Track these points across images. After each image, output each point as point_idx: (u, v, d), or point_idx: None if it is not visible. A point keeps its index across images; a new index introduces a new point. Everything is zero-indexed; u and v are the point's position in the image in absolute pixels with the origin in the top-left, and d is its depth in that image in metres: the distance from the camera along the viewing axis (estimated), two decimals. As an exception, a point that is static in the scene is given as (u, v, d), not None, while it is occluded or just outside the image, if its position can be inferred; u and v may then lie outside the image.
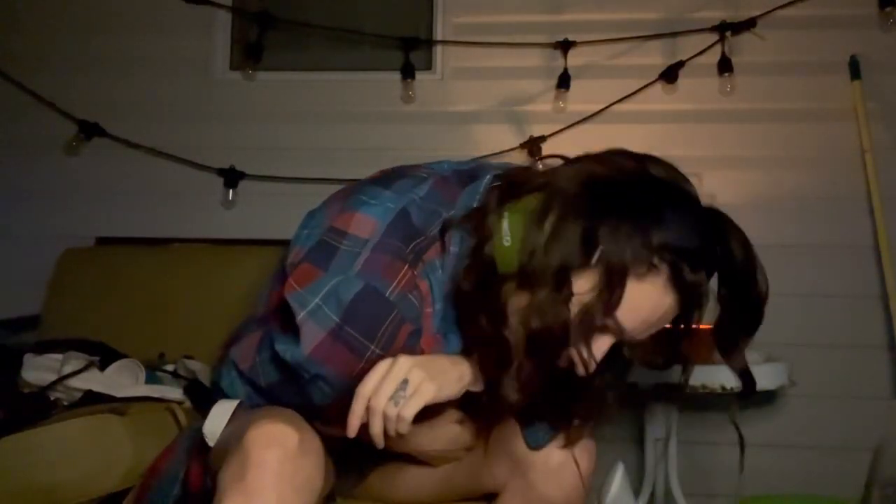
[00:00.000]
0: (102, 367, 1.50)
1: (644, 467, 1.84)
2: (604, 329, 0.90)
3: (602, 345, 0.91)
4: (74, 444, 1.29)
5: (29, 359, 1.52)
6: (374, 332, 0.92)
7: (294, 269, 0.96)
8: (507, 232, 0.90)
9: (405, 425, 0.88)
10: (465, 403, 1.00)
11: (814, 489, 1.97)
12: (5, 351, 1.70)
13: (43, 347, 1.58)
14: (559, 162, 0.97)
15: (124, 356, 1.57)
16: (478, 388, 0.96)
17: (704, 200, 0.95)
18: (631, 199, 0.89)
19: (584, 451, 1.03)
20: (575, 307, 0.88)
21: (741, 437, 1.02)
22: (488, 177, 1.01)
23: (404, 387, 0.88)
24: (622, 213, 0.87)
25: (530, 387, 0.95)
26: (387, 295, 0.93)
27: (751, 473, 2.04)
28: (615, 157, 0.93)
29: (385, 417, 0.88)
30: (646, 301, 0.89)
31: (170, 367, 1.66)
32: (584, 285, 0.87)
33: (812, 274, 2.08)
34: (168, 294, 1.99)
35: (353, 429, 0.88)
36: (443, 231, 0.98)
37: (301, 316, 0.92)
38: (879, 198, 2.02)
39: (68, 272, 2.07)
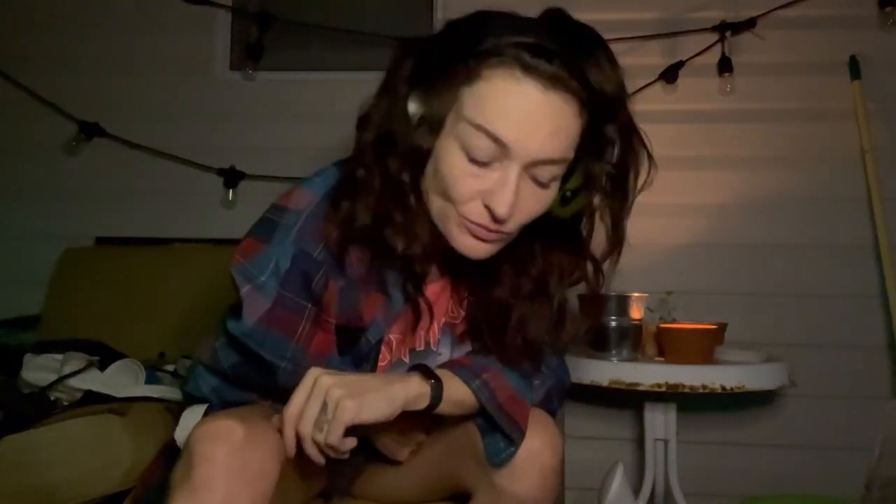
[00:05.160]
0: (102, 367, 1.50)
1: (644, 467, 1.84)
2: (496, 158, 0.89)
3: (505, 177, 0.89)
4: (74, 444, 1.29)
5: (29, 359, 1.53)
6: (307, 290, 0.95)
7: (239, 244, 0.99)
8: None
9: (337, 451, 0.87)
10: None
11: (814, 489, 1.97)
12: (5, 351, 1.71)
13: (43, 347, 1.58)
14: None
15: (124, 356, 1.57)
16: (420, 405, 0.94)
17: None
18: (453, 32, 0.92)
19: (548, 445, 1.01)
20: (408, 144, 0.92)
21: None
22: None
23: (325, 409, 0.86)
24: (442, 45, 0.92)
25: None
26: (314, 255, 0.95)
27: (751, 473, 2.05)
28: None
29: (316, 443, 0.86)
30: (502, 96, 0.87)
31: (170, 367, 1.66)
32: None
33: (812, 274, 2.08)
34: (168, 294, 1.99)
35: (290, 451, 0.87)
36: None
37: (246, 289, 0.95)
38: (879, 198, 2.02)
39: (68, 272, 2.08)
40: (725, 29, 2.11)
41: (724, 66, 2.10)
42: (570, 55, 0.87)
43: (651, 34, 2.16)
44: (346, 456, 0.88)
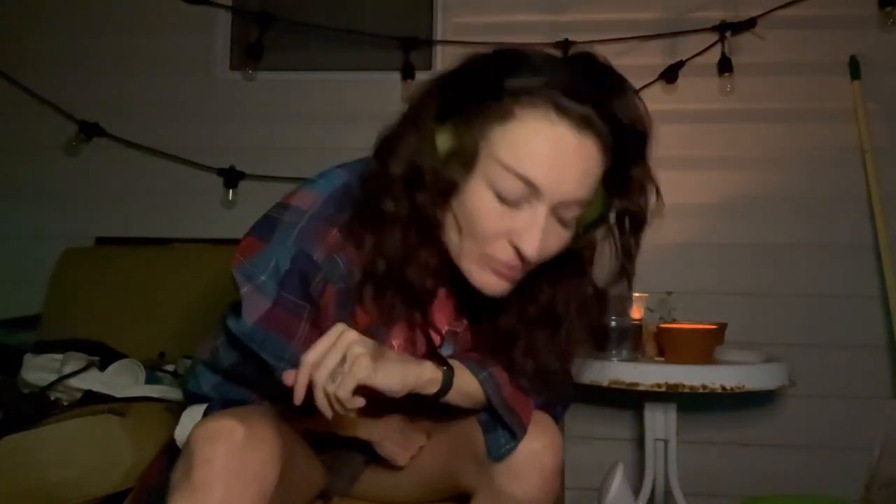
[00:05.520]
0: (102, 367, 1.50)
1: (644, 467, 1.84)
2: (525, 198, 0.89)
3: (533, 217, 0.89)
4: (74, 444, 1.29)
5: (29, 359, 1.52)
6: (306, 291, 0.94)
7: (239, 244, 0.97)
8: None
9: (344, 404, 0.87)
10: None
11: (814, 489, 1.97)
12: (5, 351, 1.71)
13: (43, 347, 1.58)
14: None
15: (124, 356, 1.57)
16: (430, 390, 0.95)
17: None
18: (483, 65, 0.90)
19: (549, 447, 1.01)
20: (442, 180, 0.90)
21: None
22: None
23: (345, 362, 0.88)
24: (472, 76, 0.90)
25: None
26: (314, 258, 0.94)
27: (751, 473, 2.05)
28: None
29: (326, 394, 0.86)
30: (535, 138, 0.87)
31: (170, 367, 1.66)
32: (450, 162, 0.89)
33: (812, 274, 2.08)
34: (168, 294, 1.99)
35: (298, 398, 0.86)
36: None
37: (246, 289, 0.93)
38: (879, 198, 2.02)
39: (68, 272, 2.08)
40: (725, 29, 2.11)
41: (724, 66, 2.10)
42: (602, 97, 0.87)
43: (651, 34, 2.16)
44: (353, 414, 0.88)
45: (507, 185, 0.88)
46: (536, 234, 0.89)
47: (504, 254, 0.91)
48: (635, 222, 0.97)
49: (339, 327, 0.88)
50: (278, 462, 0.88)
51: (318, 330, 0.96)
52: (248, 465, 0.84)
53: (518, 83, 0.87)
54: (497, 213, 0.89)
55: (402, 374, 0.90)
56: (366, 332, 0.97)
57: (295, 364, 0.92)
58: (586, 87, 0.87)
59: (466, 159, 0.88)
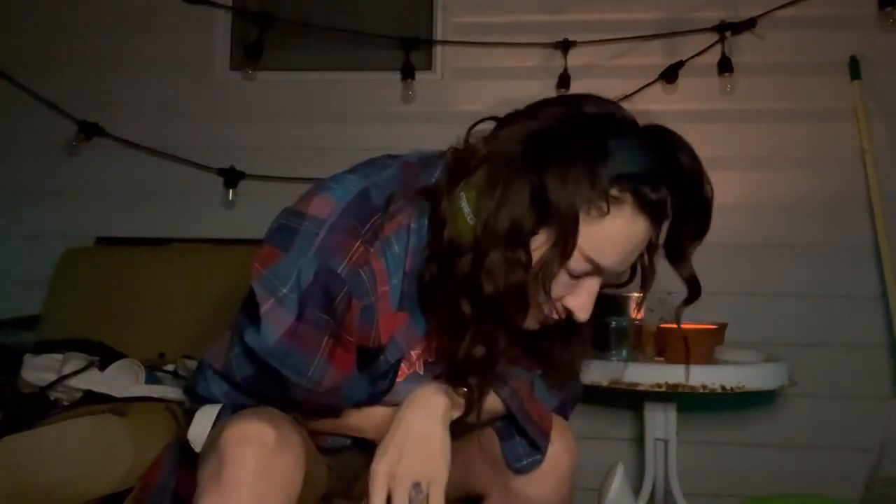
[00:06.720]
0: (102, 367, 1.50)
1: (644, 467, 1.84)
2: (586, 273, 0.92)
3: (590, 287, 0.94)
4: (74, 444, 1.29)
5: (29, 359, 1.52)
6: (329, 305, 0.91)
7: (258, 253, 0.94)
8: (469, 211, 0.90)
9: None
10: None
11: (814, 489, 1.97)
12: (5, 351, 1.71)
13: (43, 347, 1.58)
14: (492, 125, 0.98)
15: (124, 356, 1.57)
16: (458, 413, 0.97)
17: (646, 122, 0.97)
18: (571, 143, 0.88)
19: (566, 450, 1.02)
20: (536, 265, 0.89)
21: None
22: (448, 155, 1.00)
23: (418, 489, 0.91)
24: (565, 159, 0.87)
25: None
26: (339, 271, 0.91)
27: (751, 473, 2.05)
28: (547, 108, 0.93)
29: None
30: (618, 233, 0.90)
31: (170, 367, 1.66)
32: (541, 241, 0.89)
33: (812, 274, 2.08)
34: (168, 294, 1.99)
35: None
36: (388, 202, 0.96)
37: (268, 304, 0.89)
38: (879, 198, 2.02)
39: (68, 272, 2.08)
40: (725, 29, 2.11)
41: (724, 66, 2.10)
42: (680, 182, 0.90)
43: (651, 34, 2.16)
44: None
45: (579, 266, 0.91)
46: (590, 302, 0.94)
47: (556, 313, 0.95)
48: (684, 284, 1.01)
49: (381, 473, 0.92)
50: (304, 467, 0.88)
51: (342, 345, 0.93)
52: (277, 468, 0.84)
53: (613, 172, 0.87)
54: (562, 283, 0.92)
55: (443, 432, 0.94)
56: (390, 339, 0.97)
57: (314, 382, 0.91)
58: (669, 173, 0.89)
59: (565, 255, 0.89)
